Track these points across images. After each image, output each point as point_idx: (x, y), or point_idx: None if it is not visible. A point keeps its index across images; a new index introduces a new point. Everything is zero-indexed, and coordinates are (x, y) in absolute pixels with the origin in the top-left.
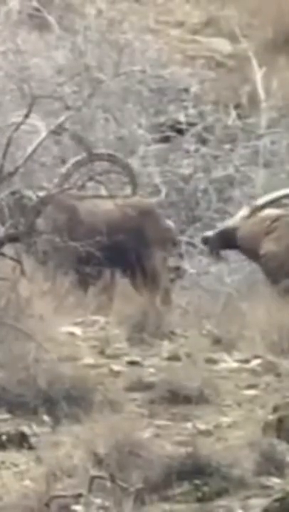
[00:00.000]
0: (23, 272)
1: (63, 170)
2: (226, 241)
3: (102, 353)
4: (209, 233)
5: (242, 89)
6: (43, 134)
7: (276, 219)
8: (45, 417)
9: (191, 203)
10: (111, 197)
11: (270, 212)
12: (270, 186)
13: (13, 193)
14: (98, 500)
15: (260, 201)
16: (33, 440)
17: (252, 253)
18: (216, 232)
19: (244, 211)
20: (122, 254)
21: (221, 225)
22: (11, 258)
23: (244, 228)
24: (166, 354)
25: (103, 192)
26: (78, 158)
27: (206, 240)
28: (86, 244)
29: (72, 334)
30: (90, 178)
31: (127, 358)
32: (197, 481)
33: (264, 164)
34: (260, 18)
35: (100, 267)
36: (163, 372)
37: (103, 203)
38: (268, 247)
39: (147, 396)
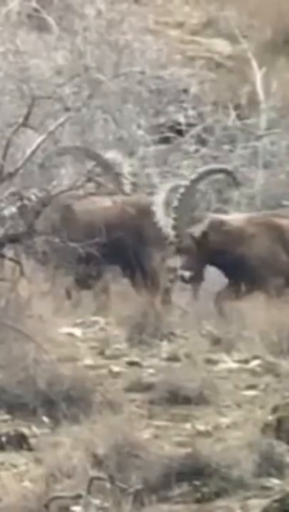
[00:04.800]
0: (22, 273)
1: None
2: (203, 255)
3: (101, 353)
4: (186, 273)
5: (241, 90)
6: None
7: (248, 222)
8: (45, 418)
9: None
10: (110, 194)
11: (240, 216)
12: (269, 187)
13: (13, 194)
14: (97, 501)
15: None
16: (32, 441)
17: (229, 259)
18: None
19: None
20: (121, 251)
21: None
22: (11, 259)
23: (217, 235)
24: (165, 355)
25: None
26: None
27: (187, 279)
28: (85, 244)
29: (71, 335)
30: (89, 179)
31: (126, 359)
32: (196, 482)
33: (263, 165)
34: (260, 19)
35: (99, 266)
36: (162, 372)
37: (101, 201)
38: (248, 250)
39: (147, 397)
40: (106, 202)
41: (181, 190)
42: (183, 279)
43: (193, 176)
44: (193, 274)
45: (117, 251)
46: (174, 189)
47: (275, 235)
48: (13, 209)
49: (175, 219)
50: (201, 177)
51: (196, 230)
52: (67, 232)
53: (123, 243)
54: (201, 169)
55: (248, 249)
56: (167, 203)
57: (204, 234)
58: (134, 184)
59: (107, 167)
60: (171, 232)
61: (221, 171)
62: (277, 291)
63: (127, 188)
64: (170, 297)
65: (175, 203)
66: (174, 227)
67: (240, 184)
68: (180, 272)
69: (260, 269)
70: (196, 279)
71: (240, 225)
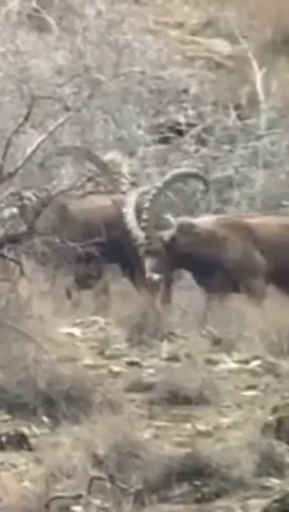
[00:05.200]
0: (22, 273)
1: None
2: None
3: (101, 353)
4: (155, 276)
5: (241, 90)
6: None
7: (217, 224)
8: (45, 418)
9: (191, 203)
10: (108, 192)
11: (209, 219)
12: (269, 187)
13: (13, 194)
14: (98, 501)
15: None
16: (32, 441)
17: (198, 261)
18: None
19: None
20: (120, 250)
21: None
22: (11, 259)
23: (186, 238)
24: (165, 355)
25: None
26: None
27: (156, 282)
28: (85, 244)
29: (71, 335)
30: (89, 179)
31: (126, 359)
32: (197, 482)
33: (263, 165)
34: (260, 19)
35: (98, 266)
36: (162, 373)
37: (99, 199)
38: (221, 253)
39: (147, 397)
40: (104, 201)
41: (153, 192)
42: (152, 281)
43: (163, 180)
44: (162, 276)
45: (116, 250)
46: (146, 192)
47: (244, 235)
48: (14, 210)
49: (145, 221)
50: (172, 181)
51: (166, 233)
52: (65, 231)
53: (122, 242)
54: (172, 173)
55: (221, 252)
56: (138, 206)
57: (174, 237)
58: (133, 184)
59: (105, 168)
60: (140, 234)
61: (191, 175)
62: (259, 292)
63: (126, 187)
64: (170, 296)
65: (146, 205)
66: (144, 229)
67: (209, 188)
68: (149, 274)
69: (237, 272)
70: (166, 281)
71: (209, 227)
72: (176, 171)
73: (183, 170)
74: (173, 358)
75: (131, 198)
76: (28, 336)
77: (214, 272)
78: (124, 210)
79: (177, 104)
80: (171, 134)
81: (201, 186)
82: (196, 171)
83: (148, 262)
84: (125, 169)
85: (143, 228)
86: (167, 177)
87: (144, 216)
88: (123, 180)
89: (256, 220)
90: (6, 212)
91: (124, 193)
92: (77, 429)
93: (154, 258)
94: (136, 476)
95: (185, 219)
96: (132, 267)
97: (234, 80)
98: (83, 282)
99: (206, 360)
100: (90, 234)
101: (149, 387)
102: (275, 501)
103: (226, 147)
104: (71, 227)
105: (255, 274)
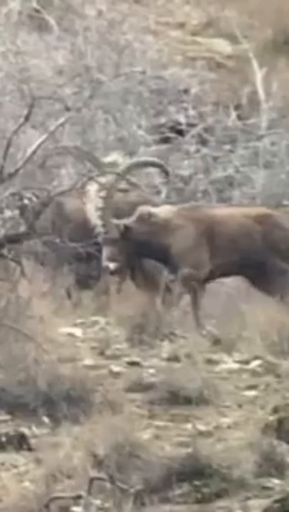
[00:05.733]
0: (23, 273)
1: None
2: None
3: (101, 354)
4: (111, 264)
5: (242, 90)
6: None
7: (177, 214)
8: (45, 418)
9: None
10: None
11: (169, 208)
12: (270, 187)
13: (13, 195)
14: (98, 502)
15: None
16: (32, 441)
17: (155, 250)
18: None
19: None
20: (150, 250)
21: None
22: (11, 259)
23: (144, 227)
24: (166, 355)
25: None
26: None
27: (112, 271)
28: (85, 244)
29: (72, 335)
30: (90, 179)
31: (126, 359)
32: (197, 482)
33: (264, 165)
34: (260, 19)
35: (99, 266)
36: (163, 373)
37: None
38: (172, 240)
39: (147, 397)
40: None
41: (110, 181)
42: (108, 270)
43: (121, 168)
44: (118, 265)
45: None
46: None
47: (201, 227)
48: (16, 211)
49: (102, 209)
50: (129, 169)
51: (123, 222)
52: (60, 230)
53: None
54: (130, 161)
55: (171, 240)
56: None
57: (130, 225)
58: (133, 184)
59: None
60: (98, 223)
61: (150, 163)
62: (183, 281)
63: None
64: (170, 297)
65: (103, 194)
66: (101, 218)
67: (169, 177)
68: (105, 263)
69: (176, 258)
70: (122, 271)
71: (168, 216)
72: (134, 160)
73: (142, 159)
74: (173, 358)
75: (92, 188)
76: (28, 336)
77: (167, 259)
78: (84, 199)
79: (178, 104)
80: (171, 134)
81: (201, 186)
82: (155, 160)
83: (104, 251)
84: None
85: (100, 217)
86: (125, 165)
87: (101, 205)
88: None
89: (220, 211)
90: (7, 213)
91: (124, 191)
92: (78, 430)
93: (110, 247)
94: (136, 477)
95: (144, 207)
96: (132, 266)
97: (235, 80)
98: (83, 282)
99: (207, 360)
100: (85, 233)
101: (149, 387)
102: (276, 501)
103: (227, 147)
104: (66, 225)
105: (192, 266)
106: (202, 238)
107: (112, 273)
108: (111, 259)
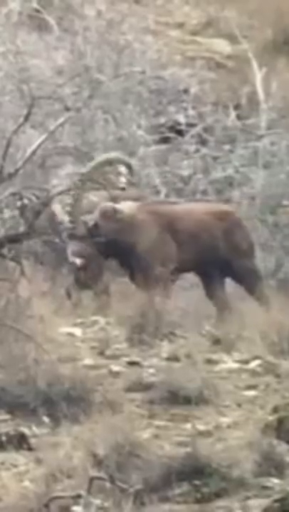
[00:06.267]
0: (22, 273)
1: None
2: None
3: (101, 353)
4: (77, 260)
5: (242, 90)
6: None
7: (139, 210)
8: (45, 418)
9: None
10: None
11: (132, 205)
12: (269, 187)
13: (13, 194)
14: (98, 501)
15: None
16: (32, 441)
17: (121, 247)
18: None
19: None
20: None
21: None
22: (11, 259)
23: (109, 224)
24: (165, 355)
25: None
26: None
27: (78, 266)
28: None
29: (71, 335)
30: (90, 180)
31: (126, 359)
32: (197, 482)
33: (263, 165)
34: (260, 19)
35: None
36: (162, 372)
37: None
38: (137, 237)
39: (147, 397)
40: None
41: (78, 177)
42: (75, 265)
43: (89, 165)
44: (84, 261)
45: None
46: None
47: (163, 223)
48: (16, 211)
49: (70, 205)
50: (97, 167)
51: (90, 218)
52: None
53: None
54: (97, 159)
55: (136, 237)
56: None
57: (97, 222)
58: (133, 184)
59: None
60: (66, 218)
61: (115, 160)
62: (161, 279)
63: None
64: (169, 292)
65: (72, 191)
66: (69, 214)
67: (133, 172)
68: (71, 259)
69: (147, 256)
70: (88, 266)
71: (131, 213)
72: (100, 157)
73: (106, 155)
74: (173, 358)
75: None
76: (28, 336)
77: (133, 256)
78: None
79: (177, 104)
80: (171, 134)
81: (201, 186)
82: (119, 156)
83: (70, 247)
84: (123, 169)
85: (68, 213)
86: (93, 163)
87: (69, 201)
88: (122, 179)
89: (180, 207)
90: (7, 213)
91: (123, 189)
92: (78, 429)
93: (77, 242)
94: (136, 476)
95: (108, 204)
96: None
97: (234, 79)
98: (83, 282)
99: (206, 360)
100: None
101: (149, 387)
102: (276, 501)
103: (226, 147)
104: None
105: (164, 262)
106: (166, 233)
107: (79, 269)
108: (78, 255)
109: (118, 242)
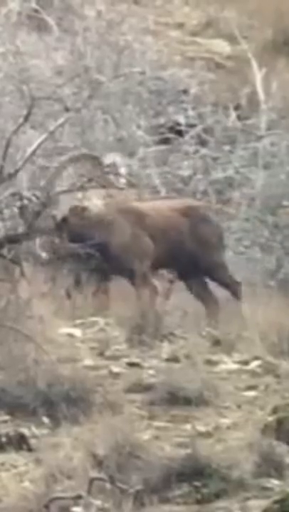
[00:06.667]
0: (22, 274)
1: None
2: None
3: (101, 354)
4: (43, 254)
5: (242, 90)
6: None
7: (108, 208)
8: (45, 419)
9: None
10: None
11: (99, 202)
12: (269, 187)
13: (13, 195)
14: (98, 502)
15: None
16: (32, 442)
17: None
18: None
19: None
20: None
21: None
22: (11, 260)
23: (77, 221)
24: (165, 355)
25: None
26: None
27: (43, 260)
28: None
29: (71, 336)
30: (90, 180)
31: (126, 360)
32: (196, 483)
33: (263, 166)
34: (260, 19)
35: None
36: (162, 373)
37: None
38: (109, 236)
39: (147, 397)
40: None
41: (51, 172)
42: (40, 259)
43: (61, 160)
44: (50, 255)
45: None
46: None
47: (134, 220)
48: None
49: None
50: (68, 162)
51: (58, 213)
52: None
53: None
54: (68, 155)
55: (109, 236)
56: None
57: (65, 218)
58: (133, 184)
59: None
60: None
61: (86, 157)
62: (141, 277)
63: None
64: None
65: (42, 185)
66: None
67: (102, 166)
68: (38, 252)
69: (123, 255)
70: (54, 261)
71: (99, 211)
72: (71, 153)
73: (77, 152)
74: (173, 359)
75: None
76: (28, 337)
77: (105, 255)
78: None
79: (177, 104)
80: (171, 135)
81: (201, 187)
82: (88, 153)
83: (38, 240)
84: (123, 169)
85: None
86: (64, 158)
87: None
88: (121, 180)
89: (146, 205)
90: (7, 214)
91: (119, 188)
92: (77, 430)
93: (44, 236)
94: (136, 477)
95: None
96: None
97: (234, 80)
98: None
99: (206, 361)
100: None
101: (149, 388)
102: (275, 502)
103: (226, 148)
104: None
105: (141, 258)
106: (140, 229)
107: (43, 262)
108: (45, 249)
109: (84, 239)
